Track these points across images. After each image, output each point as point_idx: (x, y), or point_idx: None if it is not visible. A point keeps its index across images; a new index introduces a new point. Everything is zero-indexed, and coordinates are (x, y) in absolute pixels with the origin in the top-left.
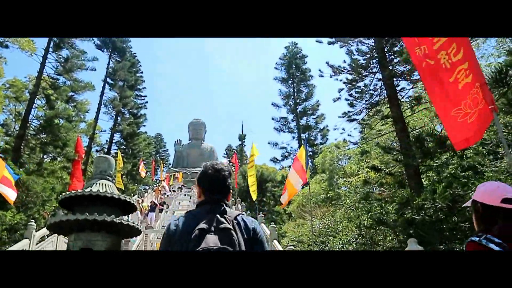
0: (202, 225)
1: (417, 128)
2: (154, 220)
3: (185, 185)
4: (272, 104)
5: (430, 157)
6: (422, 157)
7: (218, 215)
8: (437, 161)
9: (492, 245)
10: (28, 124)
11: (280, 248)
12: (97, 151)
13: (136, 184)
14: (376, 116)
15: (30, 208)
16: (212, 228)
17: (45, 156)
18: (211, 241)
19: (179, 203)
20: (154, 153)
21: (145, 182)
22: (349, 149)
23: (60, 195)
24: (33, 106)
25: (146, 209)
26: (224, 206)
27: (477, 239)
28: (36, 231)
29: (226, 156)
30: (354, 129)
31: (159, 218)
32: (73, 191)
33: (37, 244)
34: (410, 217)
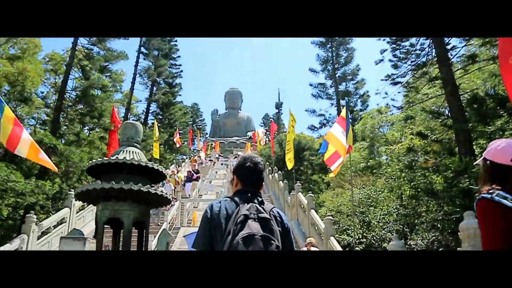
0: (245, 211)
1: (468, 90)
2: (190, 190)
3: (222, 154)
4: (309, 69)
5: (486, 121)
6: (477, 121)
7: (257, 205)
8: (490, 127)
9: (505, 201)
10: (65, 96)
11: (317, 217)
12: (134, 121)
13: (173, 154)
14: (423, 78)
15: (70, 177)
16: (254, 216)
17: (83, 127)
18: (254, 227)
19: (216, 172)
20: (190, 122)
21: (182, 152)
22: (392, 114)
23: (88, 163)
24: (70, 78)
25: (181, 180)
26: (261, 197)
27: (489, 196)
28: (76, 200)
29: (263, 125)
30: (398, 92)
31: (195, 186)
32: (99, 159)
33: (77, 212)
34: (467, 187)
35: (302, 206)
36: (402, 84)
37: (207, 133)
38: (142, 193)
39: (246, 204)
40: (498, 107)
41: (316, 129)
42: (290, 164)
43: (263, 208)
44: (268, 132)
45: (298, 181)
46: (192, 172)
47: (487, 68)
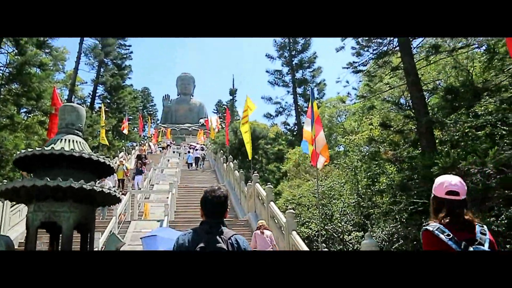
0: (202, 244)
1: (429, 81)
2: (141, 183)
3: (173, 141)
4: (266, 55)
5: (459, 112)
6: (449, 112)
7: (217, 236)
8: (449, 119)
9: (441, 236)
10: None
11: (277, 210)
12: (78, 104)
13: (122, 141)
14: (384, 68)
15: (2, 166)
16: (211, 247)
17: (19, 110)
18: None
19: (168, 160)
20: (141, 108)
21: (132, 139)
22: (353, 103)
23: (15, 154)
24: (2, 52)
25: (128, 170)
26: (221, 227)
27: (430, 229)
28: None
29: (216, 111)
30: (360, 81)
31: (146, 177)
32: (29, 149)
33: (11, 207)
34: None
35: (260, 198)
36: (364, 72)
37: (158, 119)
38: (85, 192)
39: (206, 235)
40: (473, 98)
41: (272, 117)
42: (250, 153)
43: (221, 238)
44: (222, 120)
45: (255, 171)
46: (141, 161)
47: (446, 60)
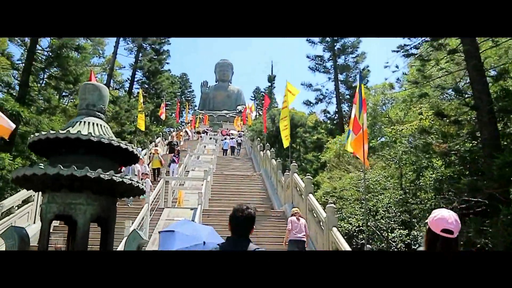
0: None
1: (494, 66)
2: (176, 172)
3: (210, 128)
4: (307, 40)
5: None
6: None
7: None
8: None
9: None
10: (35, 56)
11: (317, 204)
12: (116, 89)
13: (160, 126)
14: (439, 51)
15: None
16: None
17: (57, 94)
18: None
19: (205, 147)
20: (179, 94)
21: (170, 124)
22: (404, 90)
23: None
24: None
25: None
26: (246, 243)
27: None
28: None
29: (253, 98)
30: (412, 66)
31: (182, 163)
32: (43, 132)
33: None
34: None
35: (298, 189)
36: (416, 56)
37: (196, 105)
38: (103, 182)
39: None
40: None
41: (311, 104)
42: (286, 142)
43: None
44: (259, 107)
45: (293, 161)
46: (173, 147)
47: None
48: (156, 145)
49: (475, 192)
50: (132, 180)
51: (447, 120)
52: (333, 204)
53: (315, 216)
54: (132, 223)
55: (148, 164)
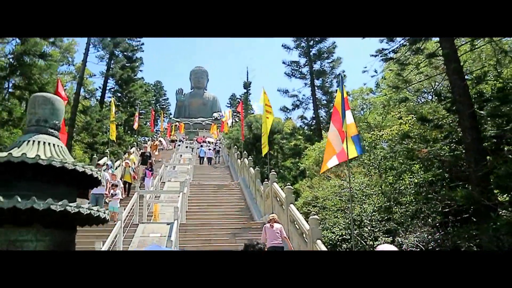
0: None
1: (475, 69)
2: (150, 186)
3: (186, 136)
4: (282, 45)
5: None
6: (498, 105)
7: None
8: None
9: None
10: None
11: (299, 215)
12: (86, 98)
13: (134, 136)
14: (418, 54)
15: None
16: None
17: (21, 104)
18: None
19: (181, 156)
20: (153, 102)
21: (144, 134)
22: (383, 95)
23: None
24: (2, 41)
25: (135, 172)
26: None
27: None
28: None
29: (229, 105)
30: (390, 70)
31: (157, 174)
32: None
33: None
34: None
35: (278, 199)
36: (394, 60)
37: (171, 114)
38: (56, 214)
39: None
40: None
41: (288, 110)
42: (265, 149)
43: None
44: (236, 114)
45: (272, 170)
46: (146, 157)
47: (487, 47)
48: (128, 157)
49: (464, 199)
50: (91, 209)
51: (429, 125)
52: (316, 216)
53: (298, 227)
54: (104, 242)
55: (120, 178)
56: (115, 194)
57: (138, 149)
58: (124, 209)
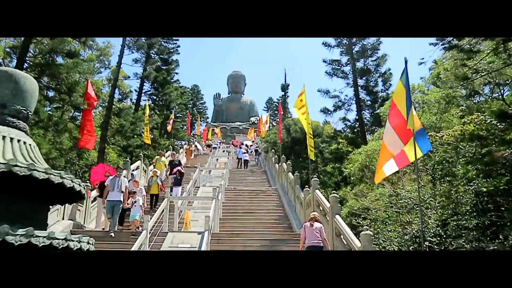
0: None
1: None
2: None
3: (223, 140)
4: (322, 43)
5: None
6: None
7: None
8: None
9: None
10: (25, 63)
11: (347, 229)
12: (119, 100)
13: (170, 139)
14: (487, 41)
15: None
16: None
17: (50, 106)
18: None
19: (217, 160)
20: (190, 105)
21: (180, 137)
22: (441, 91)
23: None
24: (32, 40)
25: (163, 183)
26: None
27: None
28: None
29: (266, 109)
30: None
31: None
32: None
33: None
34: None
35: (321, 208)
36: (458, 48)
37: (208, 117)
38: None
39: None
40: None
41: (329, 112)
42: (311, 153)
43: None
44: (273, 117)
45: (314, 176)
46: (174, 166)
47: None
48: (159, 159)
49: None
50: (58, 238)
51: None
52: (369, 231)
53: (345, 243)
54: None
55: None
56: (135, 201)
57: (175, 154)
58: (151, 218)
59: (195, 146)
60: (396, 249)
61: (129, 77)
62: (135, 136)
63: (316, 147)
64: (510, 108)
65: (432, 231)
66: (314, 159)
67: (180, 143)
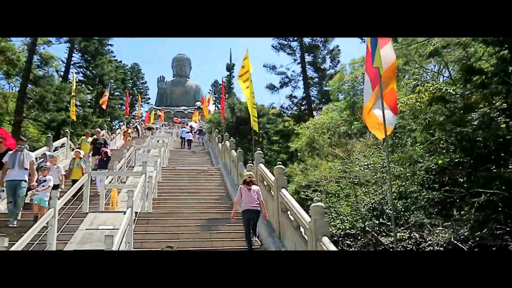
0: None
1: None
2: (101, 185)
3: (166, 123)
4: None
5: None
6: None
7: None
8: None
9: None
10: None
11: (293, 202)
12: (38, 67)
13: (105, 118)
14: None
15: None
16: None
17: None
18: None
19: (158, 141)
20: (130, 85)
21: (117, 116)
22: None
23: None
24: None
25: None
26: None
27: None
28: None
29: (211, 92)
30: None
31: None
32: None
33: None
34: None
35: (265, 183)
36: None
37: (149, 98)
38: None
39: None
40: None
41: (276, 89)
42: (256, 124)
43: None
44: (218, 101)
45: (258, 148)
46: (99, 145)
47: None
48: (79, 147)
49: None
50: None
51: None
52: (320, 203)
53: (293, 219)
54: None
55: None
56: (44, 181)
57: (110, 133)
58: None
59: (135, 127)
60: (348, 226)
61: (50, 42)
62: (60, 110)
63: (261, 128)
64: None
65: (389, 204)
66: (259, 140)
67: (117, 123)
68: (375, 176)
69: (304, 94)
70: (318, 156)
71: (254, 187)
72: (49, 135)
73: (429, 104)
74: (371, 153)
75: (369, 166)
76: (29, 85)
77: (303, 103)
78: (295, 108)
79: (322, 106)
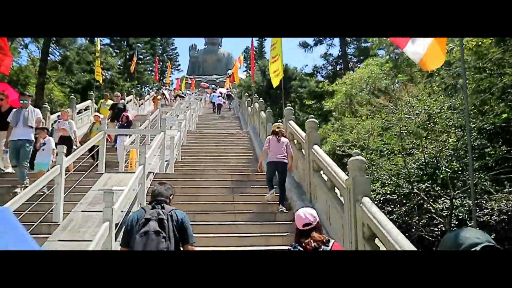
0: (148, 215)
1: None
2: (121, 152)
3: (196, 91)
4: None
5: None
6: None
7: (158, 210)
8: None
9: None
10: None
11: (325, 156)
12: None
13: (132, 82)
14: None
15: None
16: (154, 218)
17: None
18: (152, 226)
19: (187, 107)
20: (160, 51)
21: (144, 81)
22: None
23: None
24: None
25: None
26: (164, 204)
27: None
28: None
29: (244, 59)
30: None
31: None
32: None
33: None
34: None
35: (296, 141)
36: None
37: (179, 64)
38: None
39: (151, 210)
40: None
41: (309, 46)
42: (276, 80)
43: (162, 211)
44: (249, 67)
45: (288, 104)
46: (119, 110)
47: None
48: (97, 110)
49: None
50: None
51: None
52: (361, 157)
53: (327, 179)
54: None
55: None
56: (44, 144)
57: (138, 99)
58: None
59: (163, 93)
60: (390, 191)
61: None
62: (85, 72)
63: (293, 91)
64: None
65: (447, 159)
66: (290, 101)
67: (147, 89)
68: (429, 125)
69: (340, 52)
70: (355, 114)
71: (283, 139)
72: (73, 96)
73: (497, 44)
74: (424, 97)
75: (422, 111)
76: (52, 46)
77: (339, 62)
78: (330, 68)
79: (359, 66)
